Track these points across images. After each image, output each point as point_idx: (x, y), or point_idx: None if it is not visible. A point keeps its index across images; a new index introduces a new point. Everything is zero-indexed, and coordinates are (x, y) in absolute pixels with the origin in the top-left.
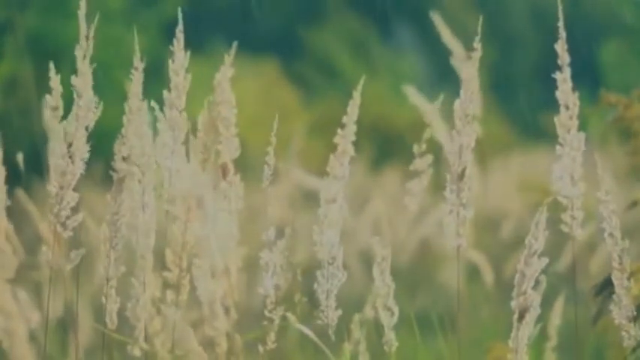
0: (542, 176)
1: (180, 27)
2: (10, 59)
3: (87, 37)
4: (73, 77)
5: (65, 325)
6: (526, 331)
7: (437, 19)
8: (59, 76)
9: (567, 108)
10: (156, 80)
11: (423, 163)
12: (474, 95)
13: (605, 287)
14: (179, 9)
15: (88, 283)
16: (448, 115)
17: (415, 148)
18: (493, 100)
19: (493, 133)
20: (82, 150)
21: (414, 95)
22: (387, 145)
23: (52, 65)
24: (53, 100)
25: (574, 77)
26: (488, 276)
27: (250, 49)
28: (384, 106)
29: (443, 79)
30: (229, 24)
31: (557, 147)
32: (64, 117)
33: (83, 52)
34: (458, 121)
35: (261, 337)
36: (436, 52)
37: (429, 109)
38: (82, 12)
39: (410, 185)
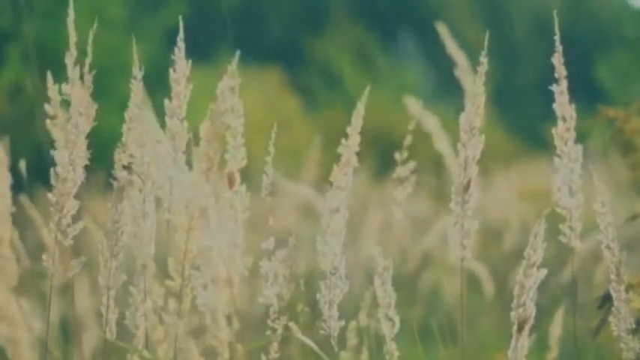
0: (543, 187)
1: (180, 35)
2: (13, 66)
3: (88, 45)
4: (63, 85)
5: (69, 333)
6: (526, 342)
7: (442, 29)
8: (57, 86)
9: (565, 120)
10: (161, 88)
11: (405, 170)
12: (479, 109)
13: (608, 299)
14: (179, 17)
15: (91, 290)
16: (451, 123)
17: (397, 156)
18: (495, 111)
19: (495, 144)
20: (82, 157)
21: (414, 106)
22: (390, 155)
23: (49, 75)
24: (52, 109)
25: (574, 90)
26: (489, 287)
27: (254, 59)
28: (387, 116)
29: (446, 89)
30: (234, 33)
31: (555, 159)
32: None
33: (73, 60)
34: (463, 134)
35: (263, 347)
36: (439, 62)
37: (430, 120)
38: (70, 19)
39: (395, 193)
